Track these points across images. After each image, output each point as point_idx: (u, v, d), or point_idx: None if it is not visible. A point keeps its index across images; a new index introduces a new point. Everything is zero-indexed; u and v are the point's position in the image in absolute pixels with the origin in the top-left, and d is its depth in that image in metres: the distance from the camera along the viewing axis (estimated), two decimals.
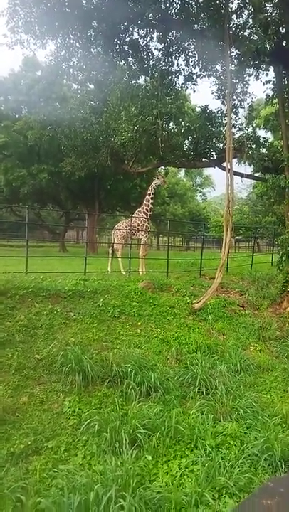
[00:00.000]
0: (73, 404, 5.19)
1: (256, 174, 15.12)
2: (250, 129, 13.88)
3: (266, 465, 4.36)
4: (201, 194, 56.76)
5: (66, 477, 3.88)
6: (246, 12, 11.20)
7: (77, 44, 11.26)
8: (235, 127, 13.07)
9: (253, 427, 5.07)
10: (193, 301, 9.23)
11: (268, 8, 10.41)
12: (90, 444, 4.55)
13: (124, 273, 11.54)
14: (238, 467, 4.15)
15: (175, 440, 4.70)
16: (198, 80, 12.83)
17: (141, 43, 11.83)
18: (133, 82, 13.26)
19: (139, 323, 7.82)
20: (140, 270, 11.77)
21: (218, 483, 3.93)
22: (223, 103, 13.31)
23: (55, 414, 5.01)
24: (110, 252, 12.90)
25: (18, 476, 3.90)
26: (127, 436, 4.50)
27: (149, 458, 4.33)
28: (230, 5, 10.71)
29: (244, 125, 13.82)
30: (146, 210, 12.00)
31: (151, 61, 12.36)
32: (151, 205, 12.13)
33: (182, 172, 46.19)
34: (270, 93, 12.95)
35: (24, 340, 6.15)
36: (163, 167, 21.91)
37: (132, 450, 4.30)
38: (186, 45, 12.08)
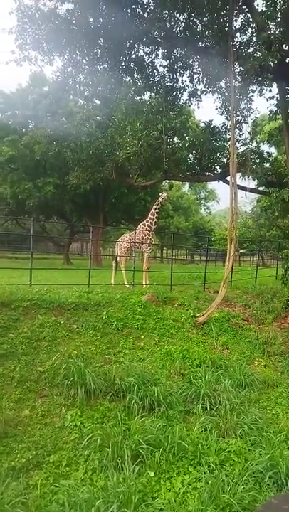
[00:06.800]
0: (75, 418, 5.13)
1: (260, 188, 15.20)
2: (254, 144, 14.09)
3: (271, 483, 4.26)
4: (205, 208, 57.06)
5: (67, 492, 3.82)
6: (250, 30, 11.53)
7: (84, 61, 11.54)
8: (239, 142, 13.24)
9: (258, 443, 4.98)
10: (197, 315, 9.18)
11: (271, 26, 10.64)
12: (92, 459, 4.48)
13: (127, 286, 11.53)
14: (243, 485, 4.07)
15: (178, 456, 4.62)
16: (202, 96, 13.15)
17: (146, 59, 12.11)
18: (138, 97, 13.52)
19: (142, 337, 7.78)
20: (144, 283, 11.76)
21: (221, 500, 3.85)
22: (227, 118, 13.55)
23: (57, 428, 4.95)
24: (114, 264, 12.92)
25: (19, 491, 3.85)
26: (130, 452, 4.43)
27: (152, 474, 4.25)
28: (234, 23, 11.01)
29: (248, 140, 13.99)
30: (151, 223, 12.05)
31: (156, 77, 12.63)
32: (156, 219, 12.19)
33: (186, 186, 46.57)
34: (274, 109, 13.16)
35: (27, 352, 6.12)
36: (167, 181, 22.08)
37: (134, 466, 4.24)
38: (190, 62, 12.37)
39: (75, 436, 4.85)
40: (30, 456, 4.37)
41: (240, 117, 12.90)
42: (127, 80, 12.65)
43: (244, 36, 11.69)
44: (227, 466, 4.47)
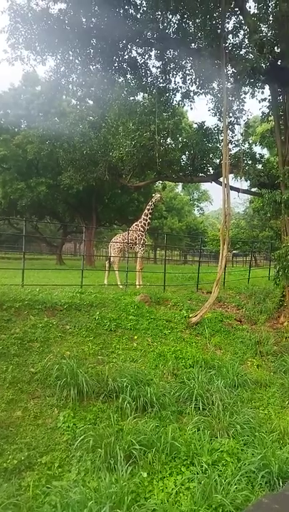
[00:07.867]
0: (68, 419, 5.11)
1: (252, 189, 15.28)
2: (246, 146, 14.14)
3: (263, 482, 4.29)
4: (198, 208, 57.16)
5: (59, 494, 3.80)
6: (242, 32, 11.59)
7: (77, 61, 11.49)
8: (231, 143, 13.28)
9: (250, 443, 5.01)
10: (190, 315, 9.20)
11: (263, 28, 10.71)
12: (84, 460, 4.46)
13: (121, 286, 11.51)
14: (235, 484, 4.08)
15: (171, 457, 4.62)
16: (195, 97, 13.14)
17: (139, 60, 12.10)
18: (131, 98, 13.50)
19: (135, 337, 7.77)
20: (137, 283, 11.75)
21: (214, 500, 3.85)
22: (219, 120, 13.60)
23: (49, 429, 4.92)
24: (107, 265, 12.90)
25: (11, 493, 3.82)
26: (122, 453, 4.43)
27: (145, 475, 4.25)
28: (227, 25, 11.06)
29: (240, 141, 14.03)
30: (144, 224, 12.06)
31: (149, 78, 12.61)
32: (149, 220, 12.20)
33: (179, 187, 46.70)
34: (266, 111, 13.21)
35: (19, 353, 6.08)
36: (160, 181, 22.11)
37: (126, 466, 4.23)
38: (183, 63, 12.37)
39: (67, 437, 4.83)
40: (23, 458, 4.34)
41: (232, 119, 12.95)
42: (120, 80, 12.63)
43: (236, 38, 11.76)
44: (220, 466, 4.49)
